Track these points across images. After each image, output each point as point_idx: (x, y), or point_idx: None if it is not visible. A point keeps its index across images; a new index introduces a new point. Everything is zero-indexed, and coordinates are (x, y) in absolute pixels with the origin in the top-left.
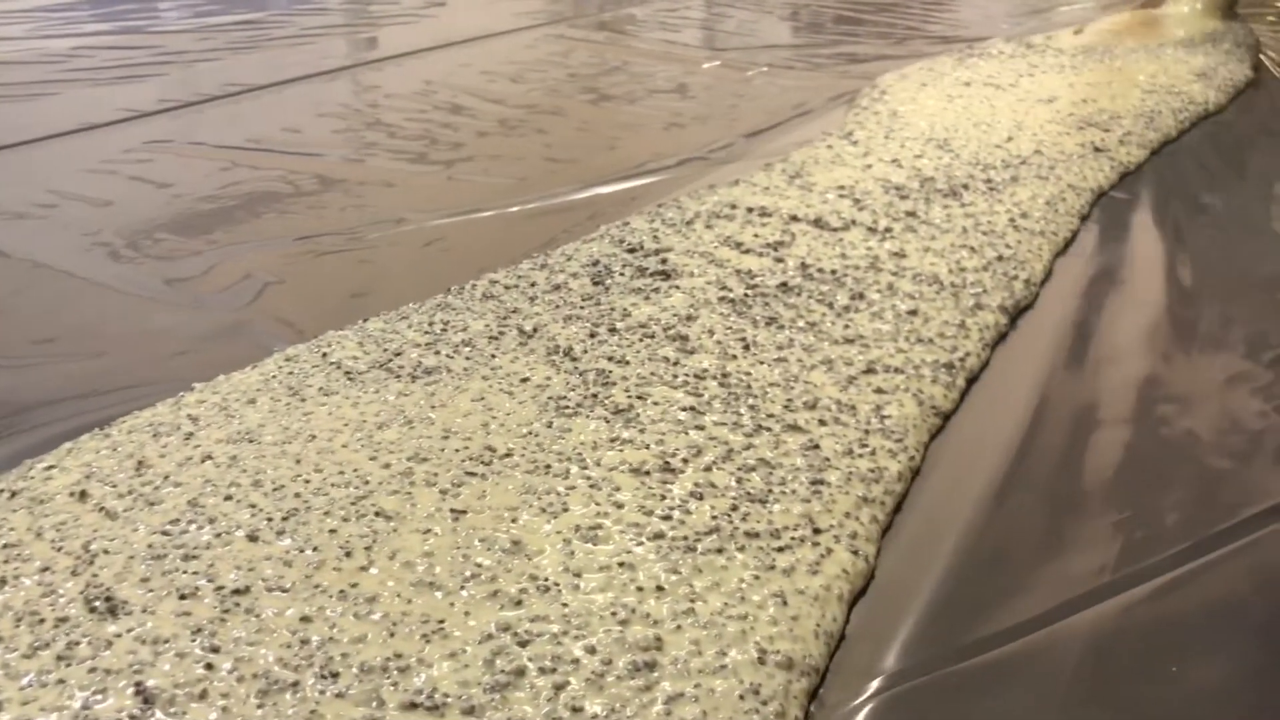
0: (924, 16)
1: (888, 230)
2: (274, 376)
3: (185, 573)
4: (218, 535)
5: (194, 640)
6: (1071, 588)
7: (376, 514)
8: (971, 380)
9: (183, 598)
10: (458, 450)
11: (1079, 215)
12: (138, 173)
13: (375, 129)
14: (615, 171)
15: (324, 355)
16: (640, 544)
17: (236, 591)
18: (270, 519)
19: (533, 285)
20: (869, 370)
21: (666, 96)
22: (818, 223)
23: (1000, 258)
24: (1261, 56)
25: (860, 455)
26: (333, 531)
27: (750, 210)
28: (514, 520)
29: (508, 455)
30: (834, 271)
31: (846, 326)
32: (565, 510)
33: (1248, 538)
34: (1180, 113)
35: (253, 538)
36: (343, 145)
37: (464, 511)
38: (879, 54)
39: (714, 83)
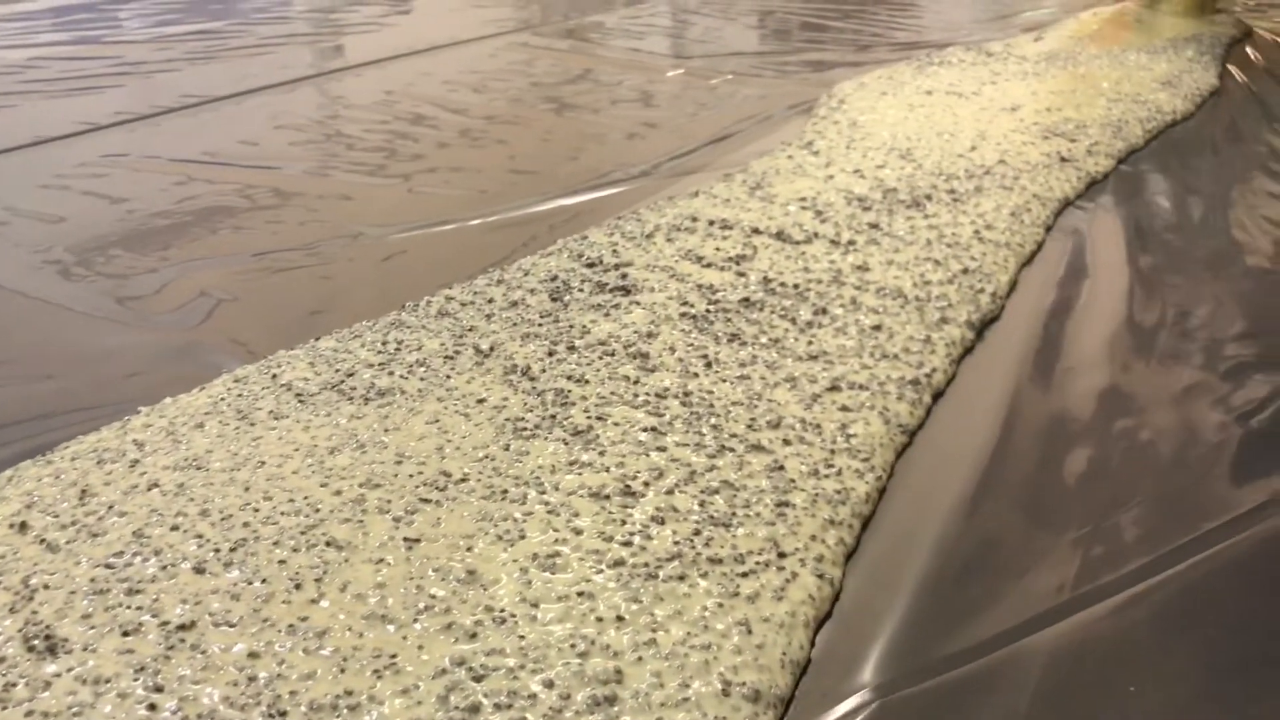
0: (889, 23)
1: (851, 243)
2: (223, 399)
3: (129, 608)
4: (163, 568)
5: (136, 679)
6: (1033, 605)
7: (327, 544)
8: (938, 395)
9: (125, 634)
10: (411, 475)
11: (1044, 226)
12: (92, 187)
13: (334, 140)
14: (577, 182)
15: (274, 376)
16: (600, 572)
17: (182, 627)
18: (218, 550)
19: (490, 302)
20: (833, 388)
21: (630, 105)
22: (780, 235)
23: (966, 270)
24: (1229, 67)
25: (826, 476)
26: (282, 562)
27: (711, 223)
28: (469, 549)
29: (463, 480)
30: (797, 286)
31: (810, 343)
32: (522, 537)
33: (1207, 551)
34: (1148, 122)
35: (199, 570)
36: (301, 157)
37: (418, 540)
38: (845, 60)
39: (678, 91)
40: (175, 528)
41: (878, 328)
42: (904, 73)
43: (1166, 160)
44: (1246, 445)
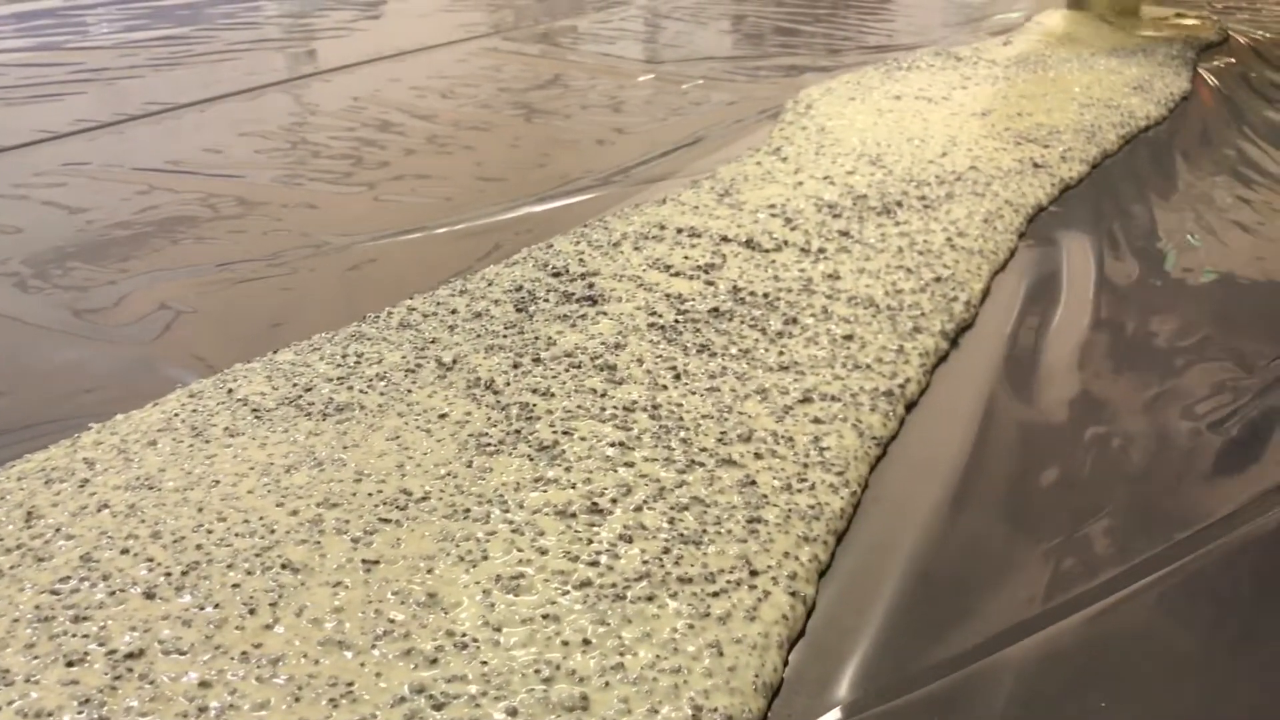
0: (860, 27)
1: (821, 251)
2: (177, 415)
3: (75, 636)
4: (112, 594)
5: (81, 712)
6: (1005, 618)
7: (283, 566)
8: (911, 405)
9: (70, 664)
10: (371, 494)
11: (1017, 232)
12: (51, 197)
13: (300, 148)
14: (545, 190)
15: (230, 391)
16: (565, 593)
17: (130, 655)
18: (169, 574)
19: (453, 313)
20: (805, 399)
21: (600, 111)
22: (749, 244)
23: (938, 279)
24: (1201, 71)
25: (799, 490)
26: (236, 586)
27: (680, 231)
28: (430, 570)
29: (424, 499)
30: (767, 295)
31: (781, 353)
32: (485, 558)
33: (1179, 562)
34: (1121, 127)
35: (150, 595)
36: (266, 166)
37: (376, 562)
38: (816, 65)
39: (649, 96)
40: (125, 551)
41: (849, 337)
42: (872, 77)
43: (1138, 165)
44: (1218, 453)
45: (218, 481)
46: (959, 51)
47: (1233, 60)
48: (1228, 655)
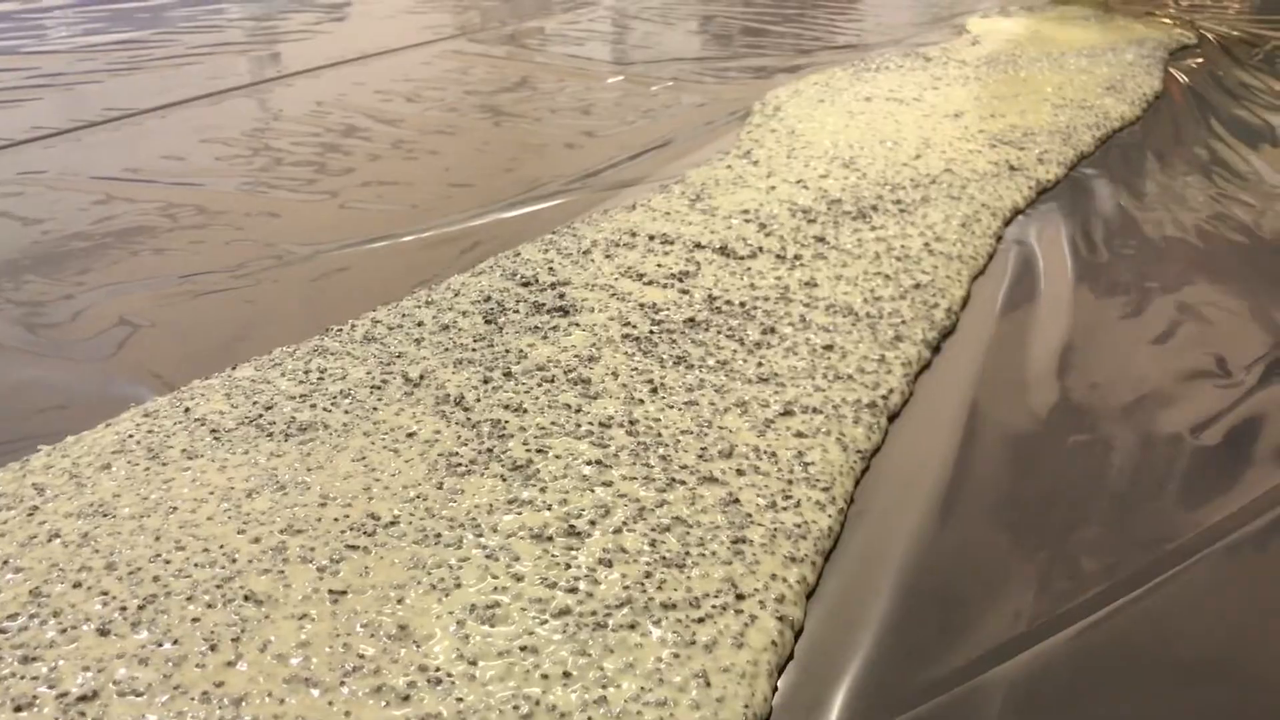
0: (829, 26)
1: (797, 257)
2: (132, 436)
3: (23, 678)
4: (63, 631)
5: None
6: (994, 637)
7: (245, 598)
8: (894, 416)
9: (18, 709)
10: (336, 519)
11: (995, 236)
12: (5, 207)
13: (262, 155)
14: (513, 195)
15: (187, 410)
16: (544, 623)
17: (83, 698)
18: (124, 608)
19: (419, 325)
20: (786, 412)
21: (568, 114)
22: (723, 250)
23: (918, 285)
24: (1171, 70)
25: (784, 509)
26: (196, 621)
27: (652, 238)
28: (400, 600)
29: (393, 523)
30: (743, 304)
31: (760, 364)
32: (458, 586)
33: (1166, 574)
34: (1096, 129)
35: (104, 632)
36: (227, 173)
37: (344, 592)
38: (785, 65)
39: (618, 99)
40: (78, 584)
41: (829, 347)
42: (841, 79)
43: (1113, 166)
44: (1202, 461)
45: (175, 507)
46: (928, 51)
47: (1202, 59)
48: (1217, 669)
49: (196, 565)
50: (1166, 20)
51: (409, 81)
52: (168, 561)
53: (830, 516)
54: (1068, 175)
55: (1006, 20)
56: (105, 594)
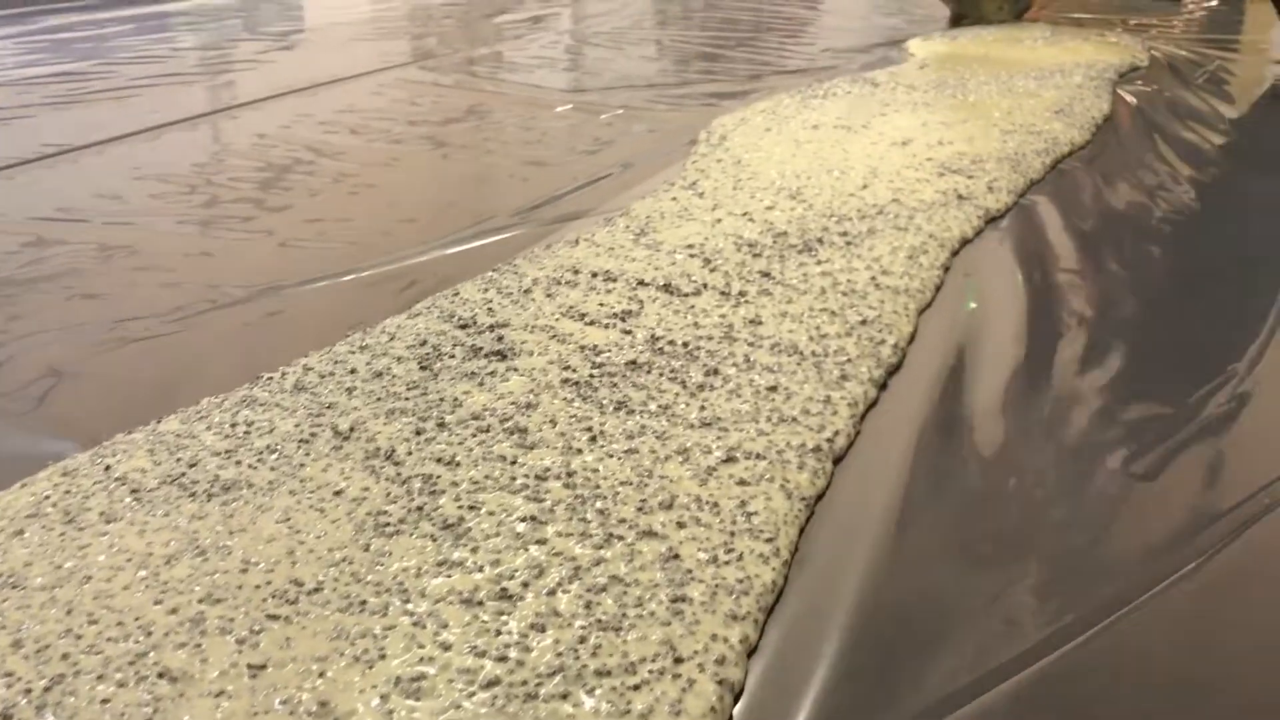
0: (780, 51)
1: (742, 294)
2: (47, 498)
3: None
4: None
5: None
6: (938, 690)
7: (160, 675)
8: (840, 459)
9: None
10: (258, 586)
11: (943, 267)
12: None
13: (201, 192)
14: (456, 230)
15: (108, 469)
16: (471, 695)
17: None
18: (29, 690)
19: (352, 373)
20: (729, 459)
21: (516, 145)
22: (667, 288)
23: (864, 321)
24: (1120, 92)
25: (726, 563)
26: (105, 702)
27: (594, 275)
28: (322, 674)
29: (317, 590)
30: (686, 344)
31: (702, 408)
32: (382, 657)
33: (1110, 619)
34: (1045, 154)
35: (6, 717)
36: (163, 212)
37: (264, 666)
38: (737, 91)
39: (567, 128)
40: None
41: (774, 389)
42: (788, 106)
43: (1061, 192)
44: (1150, 500)
45: (90, 577)
46: (875, 77)
47: (1150, 81)
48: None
49: (109, 640)
50: (1114, 41)
51: (355, 112)
52: (79, 637)
53: (774, 569)
54: (1017, 203)
55: (952, 42)
56: (10, 675)
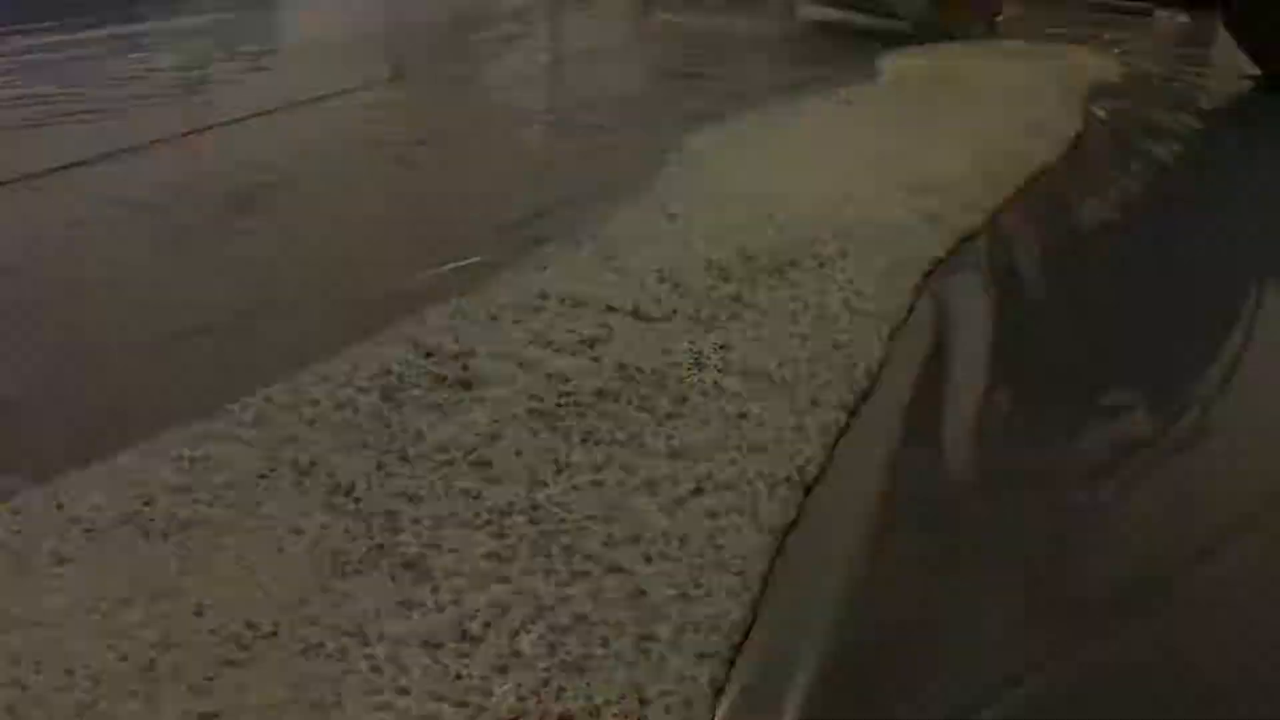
0: (756, 70)
1: (712, 318)
2: None
3: None
4: None
5: None
6: None
7: None
8: (810, 488)
9: None
10: (212, 631)
11: (914, 289)
12: None
13: (162, 218)
14: (425, 255)
15: (61, 507)
16: None
17: None
18: None
19: (314, 404)
20: (698, 490)
21: (487, 165)
22: (636, 313)
23: (836, 345)
24: (1092, 108)
25: (695, 598)
26: None
27: (563, 300)
28: None
29: (273, 634)
30: (655, 371)
31: (670, 437)
32: (339, 705)
33: (1091, 644)
34: (1017, 173)
35: None
36: (116, 241)
37: (216, 715)
38: (713, 110)
39: (540, 148)
40: None
41: (744, 415)
42: (761, 126)
43: (1034, 210)
44: (1118, 525)
45: (39, 622)
46: (850, 95)
47: (1121, 97)
48: None
49: (56, 689)
50: (1087, 57)
51: (317, 135)
52: (25, 688)
53: (744, 604)
54: (989, 222)
55: (925, 60)
56: None
